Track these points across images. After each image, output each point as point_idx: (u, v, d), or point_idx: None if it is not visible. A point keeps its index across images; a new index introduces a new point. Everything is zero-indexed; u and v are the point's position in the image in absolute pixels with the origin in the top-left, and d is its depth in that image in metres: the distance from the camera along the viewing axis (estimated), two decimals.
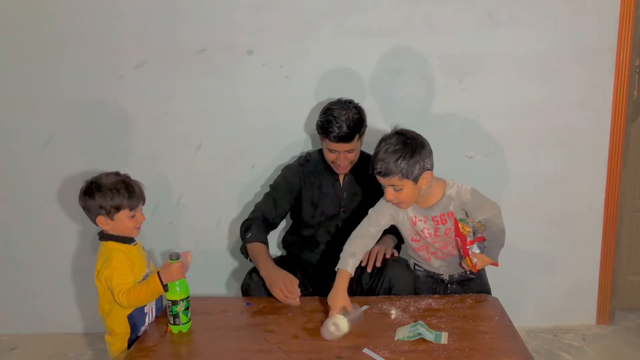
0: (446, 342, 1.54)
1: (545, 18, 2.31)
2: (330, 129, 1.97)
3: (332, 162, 2.08)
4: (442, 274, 1.93)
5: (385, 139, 1.70)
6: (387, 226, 1.88)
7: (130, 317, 1.69)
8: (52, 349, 2.51)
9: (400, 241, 2.20)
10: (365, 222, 1.88)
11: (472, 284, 1.93)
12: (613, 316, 2.61)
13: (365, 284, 1.98)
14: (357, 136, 2.01)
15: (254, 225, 2.07)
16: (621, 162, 2.43)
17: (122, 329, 1.69)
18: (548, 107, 2.38)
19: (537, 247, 2.43)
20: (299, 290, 1.82)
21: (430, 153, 1.72)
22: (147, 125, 2.44)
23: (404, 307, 1.76)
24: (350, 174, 2.16)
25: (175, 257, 1.63)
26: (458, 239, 1.78)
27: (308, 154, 2.26)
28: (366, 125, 2.07)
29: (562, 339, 2.48)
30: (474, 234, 1.78)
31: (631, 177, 2.53)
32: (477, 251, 1.79)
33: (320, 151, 2.23)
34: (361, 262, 1.98)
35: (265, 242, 2.05)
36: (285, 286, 1.81)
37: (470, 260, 1.76)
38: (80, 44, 2.37)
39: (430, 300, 1.81)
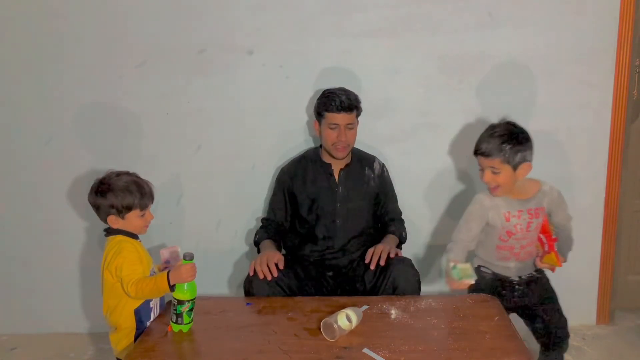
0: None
1: (545, 18, 2.31)
2: (333, 101, 2.06)
3: (333, 144, 2.09)
4: (511, 276, 1.92)
5: (494, 125, 1.84)
6: (478, 231, 1.89)
7: (137, 312, 1.69)
8: (52, 349, 2.51)
9: (401, 241, 2.20)
10: (455, 232, 1.92)
11: (539, 283, 1.94)
12: (613, 316, 2.61)
13: (368, 283, 1.99)
14: (355, 111, 2.09)
15: (259, 229, 2.24)
16: (621, 162, 2.43)
17: (128, 324, 1.69)
18: (548, 107, 2.38)
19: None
20: (275, 269, 1.92)
21: (532, 147, 1.81)
22: (147, 125, 2.44)
23: (404, 307, 1.76)
24: (345, 168, 2.17)
25: (189, 257, 1.62)
26: (543, 235, 1.82)
27: (306, 151, 2.29)
28: (362, 109, 2.13)
29: None
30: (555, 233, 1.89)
31: (631, 177, 2.53)
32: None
33: (317, 149, 2.23)
34: (364, 259, 1.99)
35: (271, 238, 2.19)
36: (267, 260, 1.93)
37: (557, 254, 1.80)
38: (80, 43, 2.37)
39: (430, 300, 1.81)
